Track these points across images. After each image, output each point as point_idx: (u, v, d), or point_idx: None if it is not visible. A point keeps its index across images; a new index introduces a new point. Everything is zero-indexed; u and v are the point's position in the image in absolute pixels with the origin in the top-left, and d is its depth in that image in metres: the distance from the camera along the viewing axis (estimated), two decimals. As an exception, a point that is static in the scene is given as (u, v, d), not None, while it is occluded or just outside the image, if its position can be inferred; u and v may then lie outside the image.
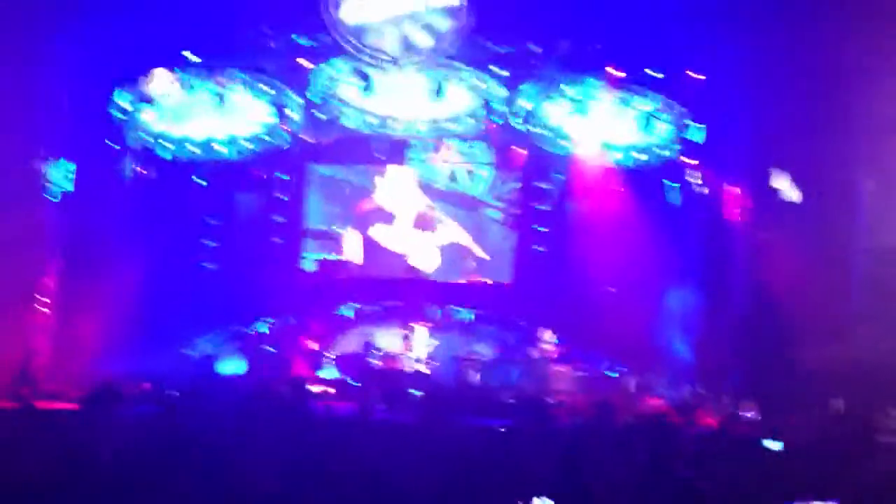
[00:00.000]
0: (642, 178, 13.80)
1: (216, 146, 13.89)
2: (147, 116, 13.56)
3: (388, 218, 14.95)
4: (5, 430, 6.41)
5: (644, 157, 13.67)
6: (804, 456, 5.72)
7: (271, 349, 13.48)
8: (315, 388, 11.12)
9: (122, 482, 5.13)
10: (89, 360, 11.50)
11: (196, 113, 13.65)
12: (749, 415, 8.32)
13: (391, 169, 14.92)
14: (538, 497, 5.14)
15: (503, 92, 13.53)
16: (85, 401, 6.68)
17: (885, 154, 11.61)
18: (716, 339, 12.60)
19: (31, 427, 6.51)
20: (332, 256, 14.74)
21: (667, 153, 13.62)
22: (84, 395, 6.89)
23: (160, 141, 13.75)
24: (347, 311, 14.40)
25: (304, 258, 14.90)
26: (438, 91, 13.35)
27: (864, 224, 11.68)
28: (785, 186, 12.51)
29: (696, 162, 13.59)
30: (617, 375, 12.73)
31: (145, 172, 13.90)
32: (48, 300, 12.84)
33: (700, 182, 13.58)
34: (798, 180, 12.42)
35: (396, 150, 14.80)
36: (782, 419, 7.54)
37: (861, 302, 11.57)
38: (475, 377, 12.54)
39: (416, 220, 14.94)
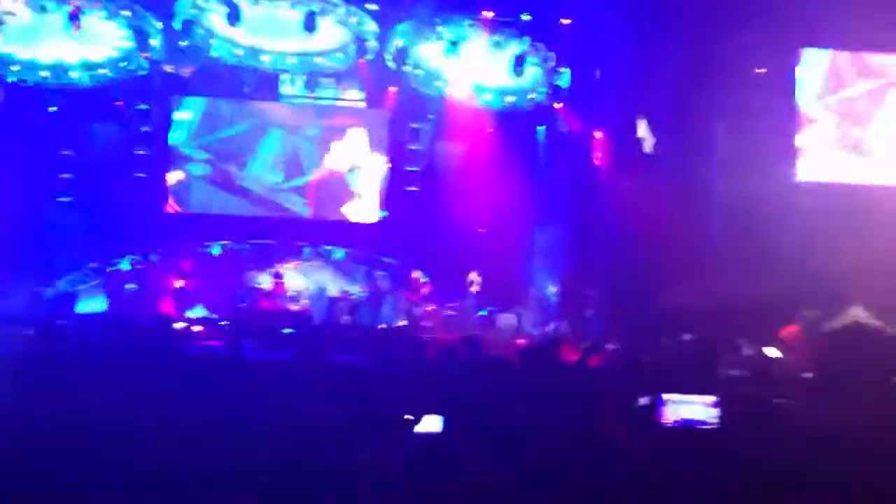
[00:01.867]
0: (512, 121, 14.07)
1: (70, 71, 13.07)
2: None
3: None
4: None
5: (514, 100, 13.89)
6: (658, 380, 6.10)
7: (134, 287, 13.03)
8: (182, 327, 10.88)
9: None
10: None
11: (47, 35, 12.78)
12: (609, 348, 8.74)
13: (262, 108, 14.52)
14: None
15: (376, 29, 13.36)
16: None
17: (741, 103, 12.24)
18: (580, 279, 13.14)
19: None
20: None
21: (536, 96, 13.87)
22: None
23: (8, 64, 12.85)
24: (215, 248, 14.06)
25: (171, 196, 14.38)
26: (310, 24, 12.99)
27: (720, 168, 12.31)
28: (647, 131, 13.02)
29: (563, 106, 13.91)
30: (486, 314, 13.07)
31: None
32: None
33: (566, 126, 13.94)
34: (660, 126, 12.94)
35: (266, 85, 14.39)
36: (639, 350, 8.01)
37: (716, 242, 12.28)
38: (345, 315, 12.58)
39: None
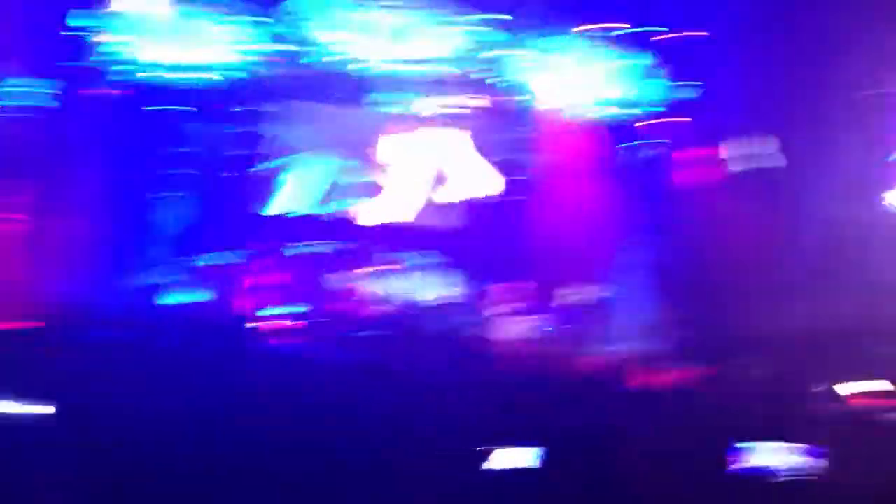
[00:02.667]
0: (611, 134, 13.80)
1: (180, 72, 13.60)
2: (113, 38, 13.20)
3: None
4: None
5: (614, 112, 13.67)
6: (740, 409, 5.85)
7: (221, 282, 13.40)
8: (268, 325, 11.12)
9: (68, 407, 5.14)
10: (39, 283, 11.38)
11: (161, 37, 13.33)
12: (693, 371, 8.48)
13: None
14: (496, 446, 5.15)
15: (476, 38, 13.39)
16: (45, 322, 6.65)
17: (854, 121, 11.74)
18: (671, 298, 12.80)
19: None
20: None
21: (638, 109, 13.62)
22: (42, 317, 6.85)
23: (122, 64, 13.45)
24: (303, 248, 14.32)
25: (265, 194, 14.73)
26: (407, 33, 13.14)
27: (827, 188, 11.80)
28: (755, 148, 12.63)
29: (667, 119, 13.61)
30: (569, 329, 12.87)
31: (103, 94, 13.62)
32: (8, 221, 12.66)
33: (668, 140, 13.63)
34: (769, 142, 12.53)
35: (365, 92, 14.60)
36: (719, 378, 7.73)
37: (816, 266, 11.77)
38: (429, 321, 12.60)
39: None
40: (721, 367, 8.22)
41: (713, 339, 10.54)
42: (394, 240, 14.34)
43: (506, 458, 5.07)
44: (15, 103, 12.82)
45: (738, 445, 5.33)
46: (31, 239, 12.20)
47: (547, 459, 5.18)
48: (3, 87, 12.67)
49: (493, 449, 5.30)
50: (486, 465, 5.14)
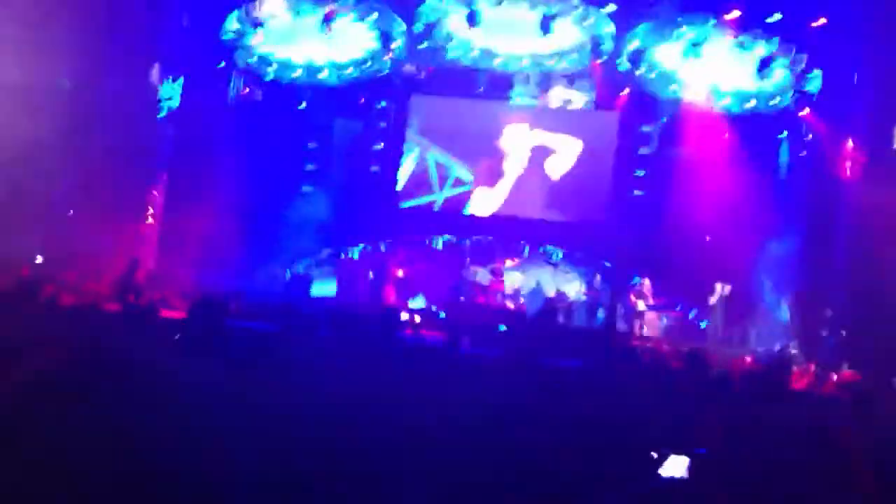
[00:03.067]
0: (752, 126, 13.32)
1: (320, 71, 14.02)
2: (256, 39, 13.73)
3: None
4: (111, 329, 6.68)
5: (756, 104, 13.18)
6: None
7: (363, 274, 13.70)
8: (404, 316, 11.28)
9: (218, 393, 5.32)
10: (190, 272, 11.96)
11: (303, 37, 13.76)
12: (845, 375, 8.05)
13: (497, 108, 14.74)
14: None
15: (613, 30, 13.15)
16: (191, 309, 6.94)
17: None
18: (816, 296, 12.18)
19: (133, 329, 6.78)
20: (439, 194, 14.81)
21: (780, 101, 13.09)
22: (189, 305, 7.14)
23: (267, 64, 13.96)
24: (439, 242, 14.48)
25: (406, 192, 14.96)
26: (545, 25, 13.03)
27: None
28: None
29: (811, 111, 13.01)
30: (707, 326, 12.50)
31: (251, 93, 14.19)
32: (155, 211, 13.40)
33: (813, 133, 13.00)
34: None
35: (500, 86, 14.60)
36: (879, 384, 7.28)
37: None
38: (562, 316, 12.49)
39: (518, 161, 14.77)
40: (873, 373, 7.76)
41: (865, 345, 9.94)
42: (529, 233, 14.32)
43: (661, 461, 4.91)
44: (169, 104, 13.54)
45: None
46: (183, 233, 12.85)
47: (699, 463, 4.98)
48: (162, 88, 13.39)
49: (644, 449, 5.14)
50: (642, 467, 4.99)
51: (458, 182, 14.75)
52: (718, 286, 12.53)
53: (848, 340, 10.83)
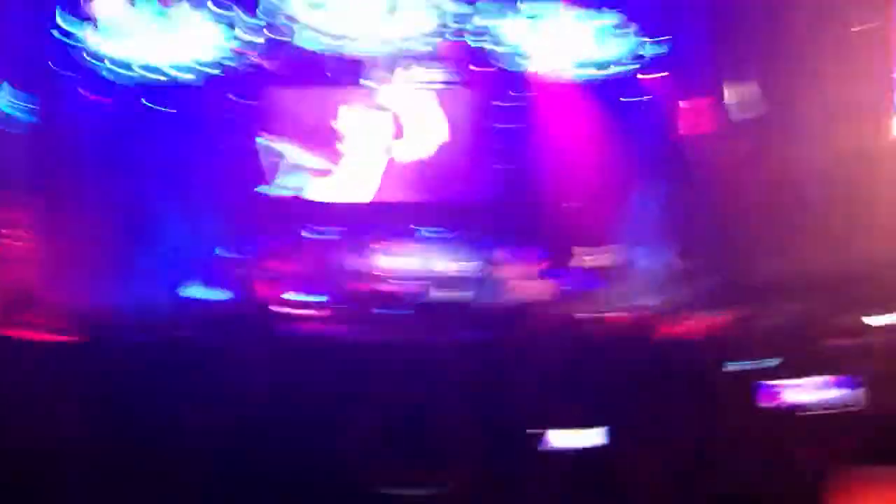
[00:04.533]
0: (598, 93, 13.85)
1: (165, 69, 13.52)
2: (93, 39, 13.09)
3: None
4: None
5: (600, 72, 13.70)
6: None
7: (240, 274, 13.41)
8: (287, 310, 11.13)
9: (119, 411, 5.17)
10: (66, 292, 11.36)
11: (143, 34, 13.23)
12: (710, 318, 8.57)
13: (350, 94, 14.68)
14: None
15: (457, 8, 13.36)
16: (69, 331, 6.66)
17: (837, 60, 11.73)
18: (683, 249, 12.91)
19: (28, 358, 6.45)
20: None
21: (622, 67, 13.65)
22: (66, 326, 6.86)
23: (108, 64, 13.33)
24: (316, 233, 14.33)
25: (268, 184, 14.70)
26: (392, 7, 13.08)
27: (820, 132, 11.84)
28: (737, 95, 12.66)
29: (650, 75, 13.65)
30: (591, 288, 12.99)
31: (95, 97, 13.51)
32: (23, 233, 12.61)
33: (659, 93, 13.68)
34: (751, 88, 12.56)
35: (353, 71, 14.54)
36: (741, 320, 7.81)
37: (815, 207, 11.85)
38: (444, 295, 12.68)
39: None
40: (746, 312, 8.31)
41: (734, 286, 10.64)
42: (401, 216, 14.41)
43: (556, 434, 5.10)
44: (6, 114, 12.71)
45: (771, 383, 5.41)
46: (45, 251, 12.19)
47: (585, 421, 5.23)
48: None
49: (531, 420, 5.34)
50: (531, 440, 5.18)
51: (302, 168, 14.65)
52: (579, 250, 13.08)
53: (718, 286, 11.51)
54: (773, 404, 5.41)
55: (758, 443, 4.81)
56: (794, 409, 5.30)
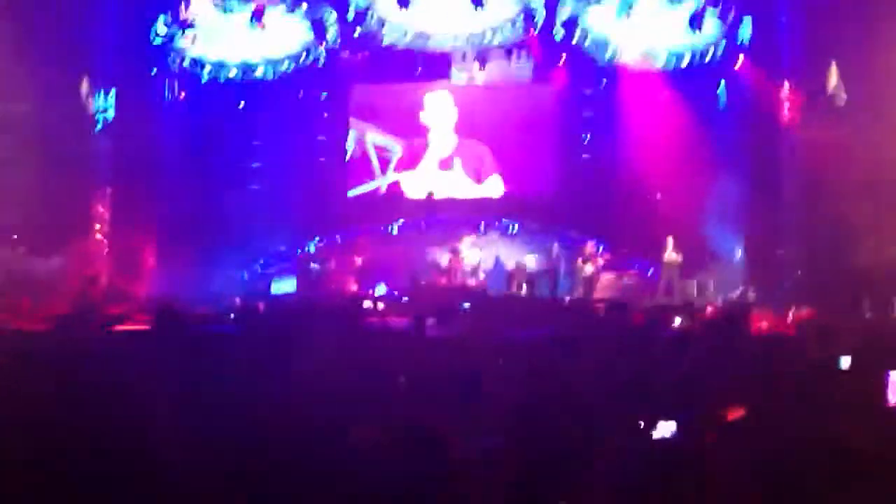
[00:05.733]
0: (690, 80, 13.47)
1: (255, 68, 13.86)
2: (186, 42, 13.52)
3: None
4: (75, 350, 6.58)
5: (691, 58, 13.33)
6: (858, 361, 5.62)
7: (321, 268, 13.61)
8: (366, 304, 11.25)
9: (187, 399, 5.26)
10: (146, 284, 11.79)
11: (235, 35, 13.62)
12: (804, 314, 8.24)
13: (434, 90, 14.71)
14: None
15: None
16: (152, 322, 6.84)
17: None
18: (768, 241, 12.45)
19: (100, 349, 6.69)
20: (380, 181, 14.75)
21: (715, 52, 13.25)
22: (150, 318, 7.05)
23: (200, 65, 13.76)
24: (394, 227, 14.44)
25: (351, 180, 14.88)
26: (478, 0, 13.04)
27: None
28: (837, 81, 12.09)
29: (745, 59, 13.21)
30: (665, 281, 12.67)
31: (188, 97, 13.96)
32: (102, 226, 13.16)
33: (749, 80, 13.21)
34: (851, 75, 11.98)
35: (438, 66, 14.57)
36: (837, 324, 7.45)
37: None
38: (523, 288, 12.58)
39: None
40: (837, 305, 7.96)
41: (824, 279, 10.20)
42: (482, 210, 14.38)
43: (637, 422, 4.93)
44: (105, 117, 13.26)
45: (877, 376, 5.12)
46: (134, 245, 12.65)
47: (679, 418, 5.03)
48: (95, 101, 13.10)
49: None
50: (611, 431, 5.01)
51: (402, 163, 14.71)
52: (669, 240, 12.73)
53: (802, 280, 11.09)
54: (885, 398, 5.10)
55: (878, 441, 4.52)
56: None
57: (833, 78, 12.06)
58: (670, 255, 12.57)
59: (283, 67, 13.96)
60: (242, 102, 14.36)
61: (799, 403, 4.84)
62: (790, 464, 4.20)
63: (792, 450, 4.30)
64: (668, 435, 4.77)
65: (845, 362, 5.42)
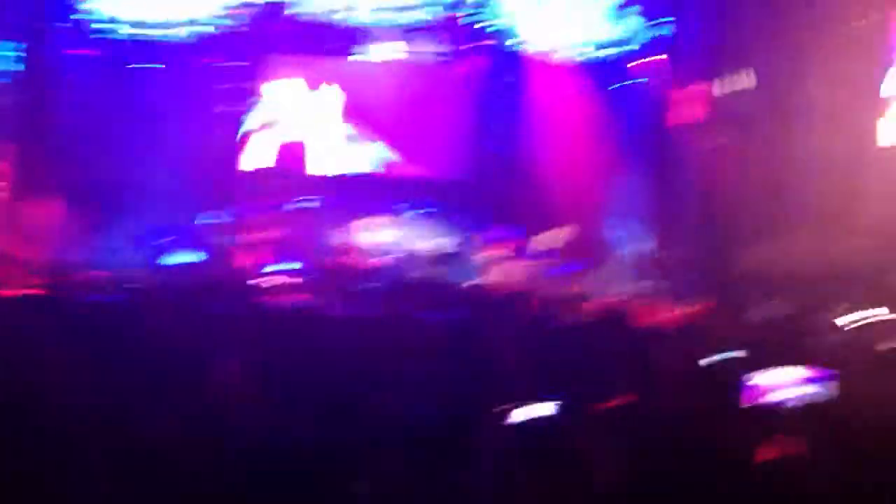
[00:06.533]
0: (596, 75, 13.75)
1: (163, 27, 13.40)
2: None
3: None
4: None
5: (600, 54, 13.60)
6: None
7: (219, 242, 13.33)
8: (265, 281, 11.07)
9: (80, 369, 5.11)
10: (36, 247, 11.31)
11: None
12: (691, 308, 8.55)
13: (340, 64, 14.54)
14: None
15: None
16: (44, 287, 6.61)
17: (834, 58, 11.63)
18: (664, 240, 12.89)
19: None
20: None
21: (623, 49, 13.55)
22: (42, 283, 6.81)
23: (109, 23, 13.22)
24: (298, 204, 14.25)
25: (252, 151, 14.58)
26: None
27: (820, 129, 11.76)
28: (743, 89, 12.59)
29: (651, 59, 13.55)
30: (571, 271, 12.93)
31: (84, 52, 13.41)
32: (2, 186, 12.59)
33: (658, 79, 13.58)
34: (757, 84, 12.49)
35: (351, 41, 14.41)
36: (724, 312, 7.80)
37: (800, 203, 11.84)
38: (424, 271, 12.61)
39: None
40: (724, 303, 8.30)
41: (713, 277, 10.65)
42: (384, 190, 14.35)
43: (524, 412, 5.04)
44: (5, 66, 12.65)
45: (747, 377, 5.37)
46: (22, 206, 12.15)
47: (560, 405, 5.16)
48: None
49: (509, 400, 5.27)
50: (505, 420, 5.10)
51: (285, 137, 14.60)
52: (559, 232, 13.03)
53: (698, 273, 11.53)
54: (751, 398, 5.35)
55: (734, 436, 4.73)
56: (770, 404, 5.25)
57: (739, 83, 12.56)
58: (565, 244, 12.87)
59: (190, 30, 13.52)
60: (146, 64, 13.85)
61: (670, 399, 5.06)
62: (656, 459, 4.40)
63: (659, 446, 4.49)
64: (542, 419, 4.90)
65: (718, 360, 5.66)
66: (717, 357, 5.79)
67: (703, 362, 5.81)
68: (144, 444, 4.63)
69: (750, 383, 5.26)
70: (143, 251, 12.50)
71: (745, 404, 5.16)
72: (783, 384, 5.21)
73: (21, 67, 12.73)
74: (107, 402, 5.05)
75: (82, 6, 13.08)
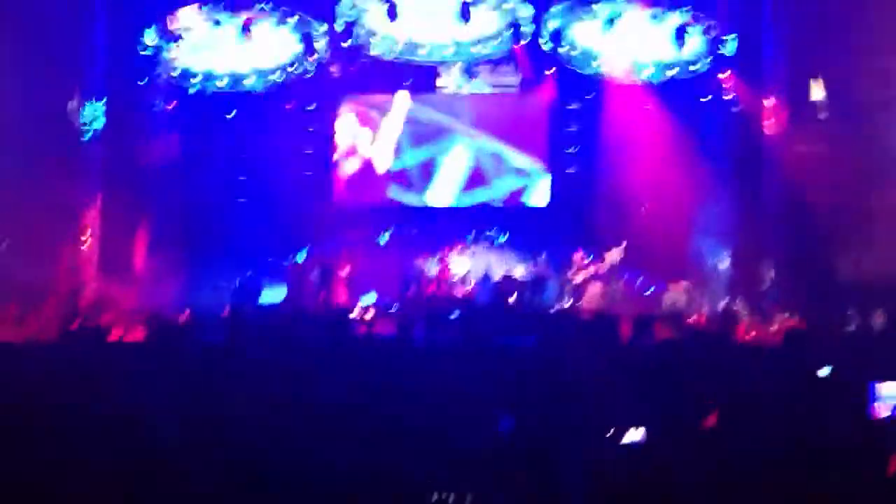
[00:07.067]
0: (675, 94, 13.62)
1: (245, 78, 13.93)
2: (175, 53, 13.56)
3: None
4: (63, 361, 6.59)
5: (676, 73, 13.49)
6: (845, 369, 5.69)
7: (310, 278, 13.62)
8: (355, 314, 11.26)
9: (183, 411, 5.27)
10: (135, 292, 11.78)
11: (223, 47, 13.64)
12: (789, 324, 8.33)
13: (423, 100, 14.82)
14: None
15: (531, 12, 13.35)
16: (146, 335, 6.84)
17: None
18: (753, 252, 12.59)
19: (93, 358, 6.68)
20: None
21: (699, 67, 13.42)
22: (141, 329, 7.06)
23: (190, 76, 13.81)
24: (383, 237, 14.49)
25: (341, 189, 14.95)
26: (465, 13, 13.16)
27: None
28: (820, 97, 12.29)
29: (729, 74, 13.37)
30: (653, 291, 12.78)
31: (177, 107, 13.99)
32: (90, 235, 13.18)
33: (734, 94, 13.38)
34: (834, 91, 12.18)
35: (426, 77, 14.67)
36: (823, 332, 7.54)
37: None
38: (512, 298, 12.62)
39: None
40: (824, 315, 8.05)
41: (811, 289, 10.33)
42: (472, 219, 14.45)
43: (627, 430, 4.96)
44: (95, 126, 13.31)
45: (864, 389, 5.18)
46: (124, 254, 12.68)
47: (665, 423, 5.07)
48: (84, 110, 13.16)
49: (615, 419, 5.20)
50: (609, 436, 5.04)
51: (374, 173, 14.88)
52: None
53: (787, 290, 11.23)
54: (872, 411, 5.15)
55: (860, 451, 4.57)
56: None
57: (816, 92, 12.26)
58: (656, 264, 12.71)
59: (272, 79, 14.01)
60: (233, 112, 14.40)
61: (781, 412, 4.91)
62: (769, 472, 4.26)
63: (772, 458, 4.36)
64: (643, 440, 4.81)
65: (826, 372, 5.49)
66: (824, 370, 5.61)
67: (812, 375, 5.64)
68: (255, 478, 4.77)
69: (867, 395, 5.09)
70: (237, 292, 12.86)
71: (866, 417, 4.99)
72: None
73: (109, 122, 13.36)
74: (215, 436, 5.21)
75: (167, 62, 13.63)
